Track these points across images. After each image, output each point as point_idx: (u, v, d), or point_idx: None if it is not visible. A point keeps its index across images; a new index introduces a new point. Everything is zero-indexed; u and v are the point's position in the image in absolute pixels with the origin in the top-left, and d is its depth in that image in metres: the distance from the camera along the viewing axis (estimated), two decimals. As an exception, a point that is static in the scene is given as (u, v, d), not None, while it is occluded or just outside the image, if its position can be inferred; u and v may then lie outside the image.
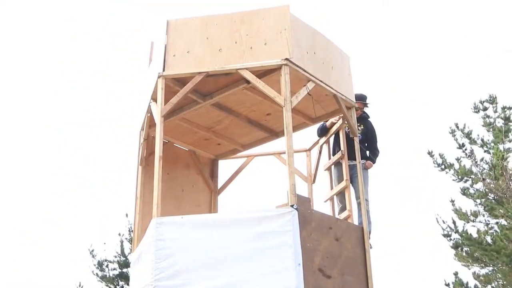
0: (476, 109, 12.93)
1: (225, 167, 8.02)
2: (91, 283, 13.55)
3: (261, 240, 5.18)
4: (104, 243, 14.04)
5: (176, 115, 6.75)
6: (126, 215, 13.68)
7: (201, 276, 5.09)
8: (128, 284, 10.60)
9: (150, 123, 6.36)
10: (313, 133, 7.46)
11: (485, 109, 12.87)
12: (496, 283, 13.47)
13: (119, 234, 13.68)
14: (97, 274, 13.40)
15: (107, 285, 13.32)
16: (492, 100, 12.79)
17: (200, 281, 5.06)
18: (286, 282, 4.98)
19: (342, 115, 6.64)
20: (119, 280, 13.31)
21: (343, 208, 6.73)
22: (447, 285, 12.27)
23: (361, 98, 7.20)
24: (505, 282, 13.14)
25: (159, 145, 5.64)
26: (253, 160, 7.93)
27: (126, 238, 13.61)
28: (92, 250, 13.64)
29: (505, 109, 12.59)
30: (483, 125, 12.92)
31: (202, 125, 7.19)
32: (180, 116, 6.83)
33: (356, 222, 6.45)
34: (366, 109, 7.41)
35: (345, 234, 5.87)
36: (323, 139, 7.28)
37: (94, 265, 13.47)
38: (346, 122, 6.65)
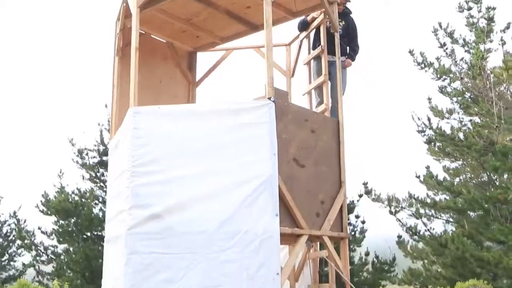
0: (461, 9, 12.76)
1: (204, 60, 7.97)
2: (72, 170, 13.81)
3: (238, 131, 5.27)
4: (83, 132, 14.09)
5: (153, 6, 6.54)
6: (106, 105, 13.65)
7: (177, 164, 5.22)
8: (107, 171, 10.83)
9: (126, 13, 6.20)
10: (294, 28, 7.36)
11: (469, 8, 12.70)
12: (464, 176, 14.11)
13: (98, 124, 13.74)
14: (77, 162, 13.62)
15: (87, 172, 13.58)
16: (477, 0, 12.60)
17: (176, 168, 5.19)
18: (261, 170, 5.14)
19: (324, 10, 6.53)
20: (99, 168, 13.56)
21: (320, 102, 6.81)
22: (418, 177, 12.76)
23: (343, -6, 7.04)
24: (472, 175, 13.76)
25: (135, 36, 5.55)
26: (232, 53, 7.88)
27: (106, 128, 13.67)
28: (72, 139, 13.75)
29: (490, 10, 12.42)
30: (466, 25, 12.81)
31: (180, 17, 7.03)
32: (157, 7, 6.63)
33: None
34: (348, 5, 7.28)
35: (321, 127, 5.99)
36: (304, 33, 7.20)
37: (74, 153, 13.65)
38: (327, 17, 6.56)
